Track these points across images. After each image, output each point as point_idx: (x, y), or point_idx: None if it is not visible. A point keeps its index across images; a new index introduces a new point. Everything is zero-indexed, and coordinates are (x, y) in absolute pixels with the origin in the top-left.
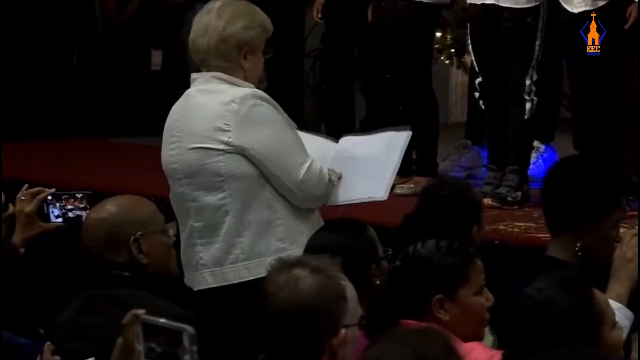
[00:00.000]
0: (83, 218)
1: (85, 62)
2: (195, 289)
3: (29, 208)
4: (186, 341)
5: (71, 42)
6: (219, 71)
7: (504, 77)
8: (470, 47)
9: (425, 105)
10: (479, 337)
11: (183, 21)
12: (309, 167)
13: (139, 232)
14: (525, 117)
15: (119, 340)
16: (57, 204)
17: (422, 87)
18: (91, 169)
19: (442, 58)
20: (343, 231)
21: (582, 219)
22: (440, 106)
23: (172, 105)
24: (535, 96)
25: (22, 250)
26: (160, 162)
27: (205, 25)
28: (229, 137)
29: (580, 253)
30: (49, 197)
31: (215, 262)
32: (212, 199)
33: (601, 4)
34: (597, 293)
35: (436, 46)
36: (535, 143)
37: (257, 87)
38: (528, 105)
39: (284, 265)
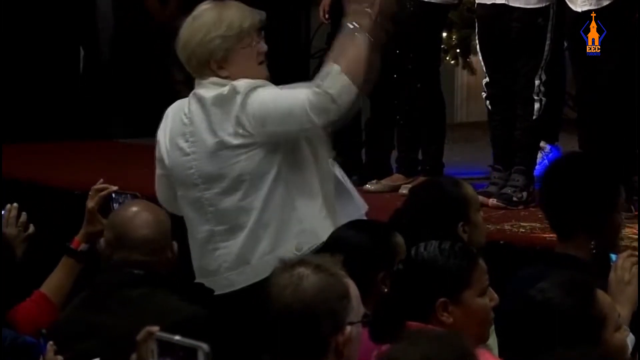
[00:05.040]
0: None
1: (92, 63)
2: (217, 292)
3: (90, 204)
4: (201, 358)
5: (77, 43)
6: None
7: (513, 78)
8: (477, 47)
9: (432, 105)
10: (484, 339)
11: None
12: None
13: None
14: (534, 117)
15: (133, 356)
16: (124, 203)
17: (429, 87)
18: (99, 170)
19: (448, 58)
20: (363, 231)
21: (594, 216)
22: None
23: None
24: (544, 96)
25: (84, 245)
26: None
27: (179, 39)
28: (242, 125)
29: (594, 250)
30: (114, 195)
31: (241, 262)
32: (234, 200)
33: (605, 3)
34: (601, 294)
35: (442, 46)
36: (541, 143)
37: None
38: (537, 106)
39: (287, 265)
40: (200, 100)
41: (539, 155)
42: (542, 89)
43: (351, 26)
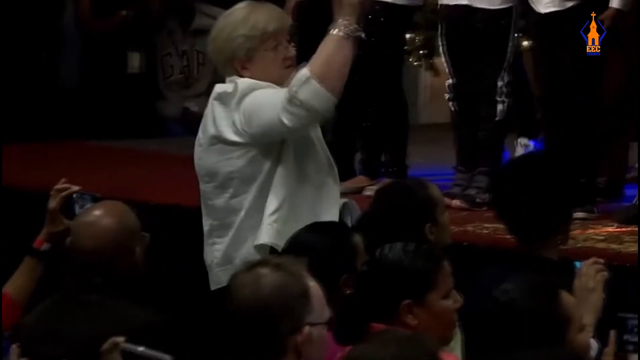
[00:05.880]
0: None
1: (55, 63)
2: (212, 288)
3: (52, 204)
4: None
5: (41, 43)
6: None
7: (477, 79)
8: (441, 48)
9: (395, 106)
10: (447, 340)
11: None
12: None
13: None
14: (497, 118)
15: None
16: (85, 204)
17: (392, 88)
18: (69, 172)
19: (411, 60)
20: (323, 234)
21: (558, 215)
22: (409, 108)
23: (150, 108)
24: (507, 97)
25: (46, 245)
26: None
27: (210, 34)
28: (235, 124)
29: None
30: (74, 196)
31: (227, 260)
32: (225, 197)
33: (569, 4)
34: (566, 296)
35: (405, 48)
36: (523, 140)
37: None
38: (500, 107)
39: (249, 266)
40: (212, 94)
41: (521, 151)
42: (505, 90)
43: (334, 31)
